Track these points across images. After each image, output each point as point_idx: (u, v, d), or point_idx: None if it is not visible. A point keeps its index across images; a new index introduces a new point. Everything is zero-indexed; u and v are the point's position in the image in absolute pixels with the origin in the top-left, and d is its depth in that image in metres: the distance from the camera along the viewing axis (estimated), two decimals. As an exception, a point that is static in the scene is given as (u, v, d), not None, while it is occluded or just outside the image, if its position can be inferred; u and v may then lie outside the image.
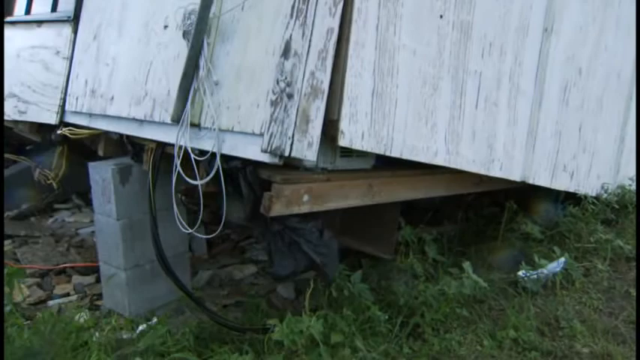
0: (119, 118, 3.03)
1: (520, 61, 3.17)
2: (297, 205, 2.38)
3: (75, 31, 3.46)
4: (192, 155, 2.48)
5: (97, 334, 2.73)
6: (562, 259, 3.32)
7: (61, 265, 3.89)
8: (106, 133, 3.29)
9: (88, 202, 4.96)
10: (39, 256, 4.02)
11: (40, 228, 4.66)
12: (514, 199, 3.92)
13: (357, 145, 2.35)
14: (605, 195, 4.16)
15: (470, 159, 2.95)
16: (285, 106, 2.15)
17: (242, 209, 3.63)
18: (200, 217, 2.61)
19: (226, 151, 2.40)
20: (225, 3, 2.45)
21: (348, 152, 2.57)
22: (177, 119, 2.54)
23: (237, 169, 2.44)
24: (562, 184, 3.82)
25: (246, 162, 2.42)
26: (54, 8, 3.81)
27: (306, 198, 2.41)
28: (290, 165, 2.35)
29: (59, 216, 4.97)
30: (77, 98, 3.36)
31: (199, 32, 2.44)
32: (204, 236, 2.89)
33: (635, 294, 3.09)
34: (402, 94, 2.49)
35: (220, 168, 2.37)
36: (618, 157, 4.38)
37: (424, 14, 2.56)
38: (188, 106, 2.50)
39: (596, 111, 3.99)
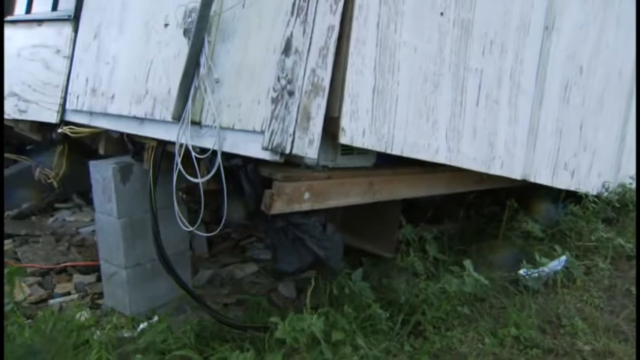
0: (120, 116, 3.03)
1: (521, 59, 3.17)
2: (298, 202, 2.38)
3: (75, 30, 3.46)
4: (193, 153, 2.48)
5: (97, 332, 2.73)
6: (563, 258, 3.31)
7: (62, 264, 3.89)
8: (107, 131, 3.29)
9: (89, 202, 4.96)
10: (40, 255, 4.02)
11: (41, 227, 4.66)
12: (515, 197, 3.92)
13: (358, 143, 2.35)
14: (606, 193, 4.16)
15: (471, 157, 2.95)
16: (286, 104, 2.15)
17: (243, 208, 3.63)
18: (201, 215, 2.61)
19: (227, 148, 2.40)
20: (226, 1, 2.45)
21: (349, 150, 2.57)
22: (178, 117, 2.53)
23: (238, 166, 2.44)
24: (563, 182, 3.82)
25: (247, 160, 2.42)
26: (54, 7, 3.82)
27: (307, 196, 2.40)
28: (291, 163, 2.35)
29: (60, 215, 4.97)
30: (78, 97, 3.36)
31: (200, 30, 2.44)
32: (205, 234, 2.88)
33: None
34: (403, 91, 2.49)
35: (221, 166, 2.37)
36: (619, 156, 4.38)
37: (425, 11, 2.55)
38: (189, 104, 2.50)
39: (596, 109, 3.98)
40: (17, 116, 3.82)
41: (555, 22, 3.36)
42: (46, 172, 4.25)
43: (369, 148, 2.42)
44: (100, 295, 3.46)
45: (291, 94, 2.15)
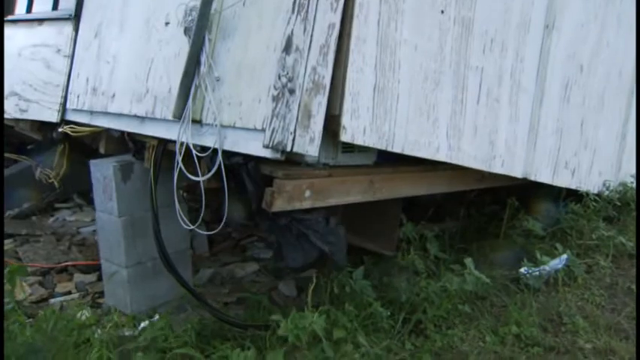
0: (120, 115, 3.03)
1: (521, 58, 3.17)
2: (299, 200, 2.38)
3: (76, 29, 3.46)
4: (194, 152, 2.48)
5: (99, 331, 2.73)
6: (564, 256, 3.31)
7: (63, 264, 3.89)
8: (108, 130, 3.29)
9: (89, 201, 4.96)
10: (40, 255, 4.02)
11: (42, 227, 4.66)
12: (515, 196, 3.92)
13: (359, 141, 2.35)
14: (606, 192, 4.16)
15: (471, 155, 2.95)
16: (287, 102, 2.15)
17: (244, 207, 3.63)
18: (202, 213, 2.61)
19: (228, 147, 2.40)
20: (227, -1, 2.45)
21: (349, 148, 2.57)
22: (178, 116, 2.53)
23: (239, 165, 2.45)
24: (563, 180, 3.82)
25: (248, 158, 2.42)
26: (55, 6, 3.82)
27: (307, 194, 2.40)
28: (291, 161, 2.35)
29: (60, 215, 4.97)
30: (78, 96, 3.36)
31: (200, 28, 2.44)
32: (206, 232, 2.88)
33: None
34: (404, 89, 2.49)
35: (222, 164, 2.37)
36: (620, 155, 4.38)
37: (425, 10, 2.55)
38: (189, 102, 2.50)
39: (597, 108, 3.98)
40: (18, 115, 3.82)
41: (556, 20, 3.36)
42: (46, 171, 4.25)
43: (370, 145, 2.42)
44: (101, 294, 3.46)
45: (291, 92, 2.15)
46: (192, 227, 2.67)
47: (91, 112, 3.28)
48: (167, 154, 2.89)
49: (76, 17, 3.46)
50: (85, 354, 2.47)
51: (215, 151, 2.41)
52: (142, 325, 2.85)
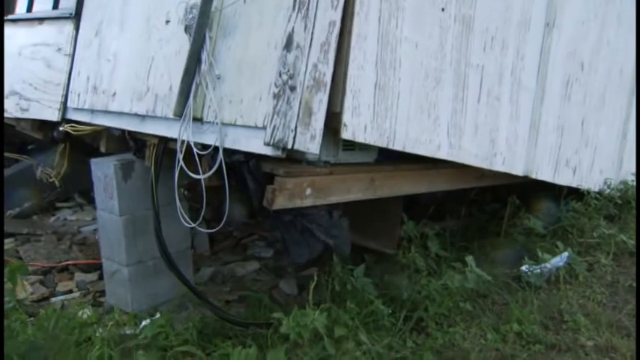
0: (121, 113, 3.03)
1: (522, 56, 3.17)
2: (300, 198, 2.38)
3: (76, 28, 3.46)
4: (195, 150, 2.48)
5: (100, 329, 2.72)
6: (565, 254, 3.31)
7: (64, 263, 3.89)
8: (108, 129, 3.29)
9: (90, 201, 4.96)
10: (41, 254, 4.02)
11: (42, 226, 4.66)
12: (516, 194, 3.92)
13: (360, 138, 2.35)
14: (607, 190, 4.16)
15: (472, 153, 2.95)
16: (288, 99, 2.15)
17: (244, 206, 3.63)
18: (203, 211, 2.61)
19: (229, 144, 2.40)
20: (227, -3, 2.45)
21: (350, 145, 2.57)
22: (179, 114, 2.53)
23: (239, 162, 2.45)
24: (565, 179, 3.82)
25: (249, 155, 2.42)
26: (55, 5, 3.82)
27: (308, 191, 2.40)
28: (292, 158, 2.35)
29: (61, 214, 4.97)
30: (79, 95, 3.36)
31: (201, 26, 2.43)
32: (207, 230, 2.88)
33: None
34: (405, 86, 2.49)
35: (223, 162, 2.37)
36: (621, 153, 4.38)
37: (426, 7, 2.55)
38: (190, 100, 2.50)
39: (598, 106, 3.98)
40: (19, 115, 3.82)
41: (556, 18, 3.36)
42: (47, 171, 4.26)
43: (371, 143, 2.42)
44: (102, 293, 3.46)
45: (292, 89, 2.14)
46: (193, 225, 2.68)
47: (92, 111, 3.28)
48: (168, 152, 2.89)
49: (76, 16, 3.45)
50: (87, 352, 2.46)
51: (216, 149, 2.41)
52: (143, 323, 2.84)
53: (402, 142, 2.54)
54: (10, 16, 4.09)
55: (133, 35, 3.01)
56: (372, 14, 2.29)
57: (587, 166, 4.02)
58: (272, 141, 2.17)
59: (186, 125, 2.51)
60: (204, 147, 2.48)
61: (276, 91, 2.18)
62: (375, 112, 2.38)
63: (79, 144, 3.79)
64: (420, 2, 2.52)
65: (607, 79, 3.99)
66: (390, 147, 2.50)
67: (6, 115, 3.88)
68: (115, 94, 3.06)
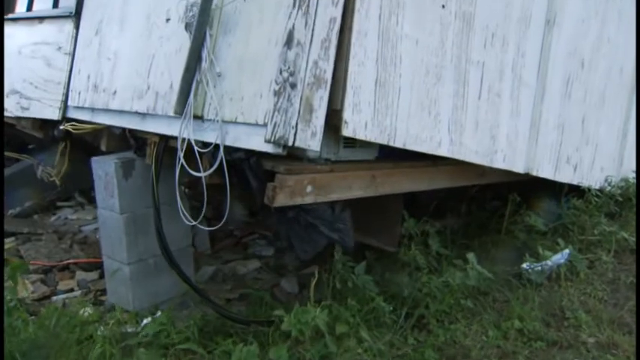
0: (122, 112, 3.03)
1: (522, 53, 3.17)
2: (301, 195, 2.38)
3: (77, 27, 3.47)
4: (196, 147, 2.48)
5: (101, 328, 2.73)
6: (566, 251, 3.31)
7: (65, 262, 3.89)
8: (109, 127, 3.29)
9: (91, 200, 4.97)
10: (42, 253, 4.02)
11: (43, 225, 4.66)
12: (516, 192, 3.91)
13: (361, 135, 2.35)
14: (608, 188, 4.15)
15: (473, 150, 2.95)
16: (289, 96, 2.15)
17: (245, 204, 3.61)
18: (204, 209, 2.61)
19: (230, 142, 2.40)
20: (228, -6, 2.45)
21: (351, 143, 2.57)
22: (180, 112, 2.53)
23: (240, 160, 2.44)
24: (565, 176, 3.81)
25: (250, 153, 2.42)
26: (55, 4, 3.82)
27: (309, 189, 2.40)
28: (293, 156, 2.35)
29: (62, 213, 4.97)
30: (79, 93, 3.36)
31: (201, 24, 2.43)
32: (207, 228, 2.88)
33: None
34: (405, 83, 2.49)
35: (224, 159, 2.37)
36: (621, 150, 4.37)
37: (426, 4, 2.55)
38: (191, 98, 2.50)
39: (598, 104, 3.98)
40: (19, 114, 3.82)
41: (557, 15, 3.36)
42: (48, 170, 4.26)
43: (372, 140, 2.42)
44: (103, 291, 3.46)
45: (293, 86, 2.14)
46: (194, 223, 2.67)
47: (93, 110, 3.28)
48: (168, 150, 2.89)
49: (76, 15, 3.46)
50: (88, 350, 2.46)
51: (217, 146, 2.41)
52: (145, 321, 2.85)
53: (403, 139, 2.54)
54: (10, 15, 4.09)
55: (134, 34, 3.01)
56: (372, 11, 2.29)
57: (588, 163, 4.02)
58: (273, 138, 2.17)
59: (186, 123, 2.51)
60: (205, 145, 2.49)
61: (277, 88, 2.18)
62: (375, 109, 2.38)
63: (79, 143, 3.80)
64: (421, -1, 2.52)
65: (607, 77, 3.99)
66: (391, 144, 2.50)
67: (6, 114, 3.88)
68: (115, 92, 3.06)
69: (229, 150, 2.42)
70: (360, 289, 2.79)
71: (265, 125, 2.21)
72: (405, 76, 2.48)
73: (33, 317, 2.93)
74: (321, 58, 2.17)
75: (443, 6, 2.62)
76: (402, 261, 3.15)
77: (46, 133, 3.85)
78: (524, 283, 3.11)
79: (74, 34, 3.48)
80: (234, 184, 2.49)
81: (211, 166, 2.45)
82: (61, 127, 3.49)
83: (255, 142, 2.29)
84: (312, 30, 2.14)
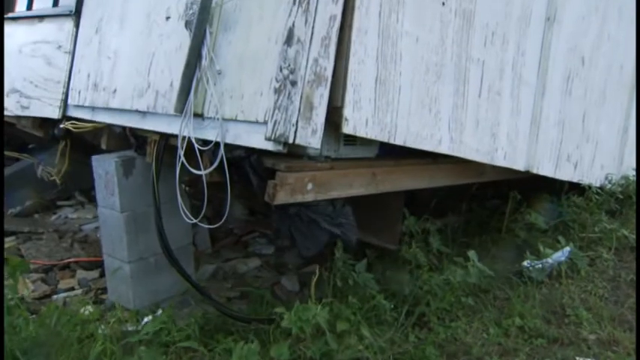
0: (122, 110, 3.03)
1: (523, 51, 3.17)
2: (301, 193, 2.38)
3: (77, 25, 3.46)
4: (196, 145, 2.48)
5: (102, 326, 2.72)
6: (567, 249, 3.31)
7: (65, 260, 3.89)
8: (109, 126, 3.29)
9: (91, 199, 4.97)
10: (43, 252, 4.02)
11: (44, 224, 4.66)
12: (517, 190, 3.91)
13: (361, 132, 2.35)
14: (609, 185, 4.15)
15: (473, 148, 2.95)
16: (289, 93, 2.15)
17: (245, 203, 3.60)
18: (204, 207, 2.60)
19: (230, 140, 2.40)
20: (228, -8, 2.45)
21: (351, 140, 2.56)
22: (180, 110, 2.53)
23: (241, 158, 2.44)
24: (566, 174, 3.81)
25: (250, 151, 2.41)
26: (55, 3, 3.81)
27: (310, 186, 2.40)
28: (294, 154, 2.34)
29: (62, 212, 4.97)
30: (79, 92, 3.36)
31: (202, 22, 2.43)
32: (208, 226, 2.88)
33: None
34: (406, 81, 2.49)
35: (224, 157, 2.37)
36: (622, 148, 4.38)
37: (426, 1, 2.55)
38: (191, 96, 2.50)
39: (599, 101, 3.98)
40: (19, 112, 3.82)
41: (557, 13, 3.36)
42: (48, 169, 4.26)
43: (372, 137, 2.42)
44: (104, 290, 3.46)
45: (293, 83, 2.14)
46: (194, 221, 2.67)
47: (93, 108, 3.28)
48: (169, 148, 2.88)
49: (76, 13, 3.45)
50: (89, 348, 2.46)
51: (217, 144, 2.41)
52: (145, 320, 2.84)
53: (404, 136, 2.54)
54: (10, 14, 4.09)
55: (134, 32, 3.01)
56: (372, 8, 2.29)
57: (589, 161, 4.02)
58: (273, 136, 2.17)
59: (187, 121, 2.51)
60: (206, 143, 2.48)
61: (277, 85, 2.18)
62: (376, 107, 2.38)
63: (79, 142, 3.79)
64: (421, -4, 2.51)
65: (608, 74, 3.99)
66: (392, 141, 2.50)
67: (6, 113, 3.88)
68: (115, 90, 3.06)
69: (230, 148, 2.42)
70: (361, 287, 2.79)
71: (266, 123, 2.21)
72: (406, 73, 2.48)
73: (34, 316, 2.93)
74: (322, 55, 2.16)
75: (443, 3, 2.62)
76: (402, 259, 3.16)
77: (46, 132, 3.85)
78: (524, 281, 3.11)
79: (74, 33, 3.47)
80: (235, 182, 2.49)
81: (212, 164, 2.45)
82: (61, 126, 3.49)
83: (256, 139, 2.29)
84: (313, 27, 2.14)
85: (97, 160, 3.18)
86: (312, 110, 2.17)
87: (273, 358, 2.30)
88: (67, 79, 3.48)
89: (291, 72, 2.14)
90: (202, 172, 2.48)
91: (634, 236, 3.55)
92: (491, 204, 4.42)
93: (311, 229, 2.49)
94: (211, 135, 2.45)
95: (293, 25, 2.16)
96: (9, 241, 4.20)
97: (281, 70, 2.18)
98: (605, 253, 3.40)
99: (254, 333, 2.65)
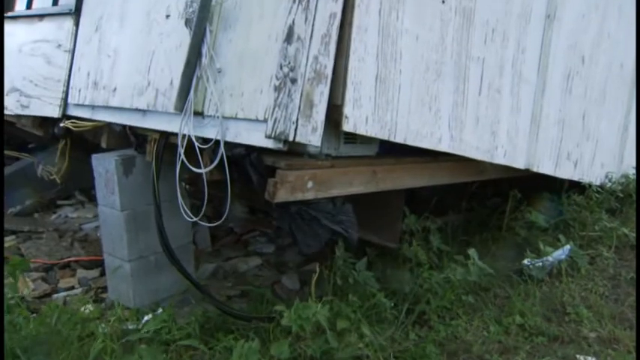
0: (122, 109, 3.03)
1: (523, 48, 3.17)
2: (302, 191, 2.38)
3: (76, 24, 3.46)
4: (196, 143, 2.48)
5: (102, 325, 2.72)
6: (567, 247, 3.31)
7: (66, 259, 3.89)
8: (109, 124, 3.29)
9: (91, 198, 4.97)
10: (43, 251, 4.03)
11: (44, 224, 4.66)
12: (517, 188, 3.91)
13: (361, 130, 2.35)
14: (609, 184, 4.15)
15: (474, 145, 2.95)
16: (289, 91, 2.15)
17: (245, 202, 3.59)
18: (204, 205, 2.60)
19: (230, 138, 2.40)
20: (228, -10, 2.45)
21: (351, 138, 2.56)
22: (180, 108, 2.53)
23: (241, 156, 2.44)
24: (566, 172, 3.81)
25: (251, 149, 2.41)
26: (55, 2, 3.81)
27: (310, 184, 2.40)
28: (294, 152, 2.35)
29: (62, 212, 4.97)
30: (79, 91, 3.36)
31: (201, 20, 2.43)
32: (208, 224, 2.88)
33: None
34: (406, 79, 2.49)
35: (224, 155, 2.37)
36: (622, 146, 4.37)
37: (426, -1, 2.55)
38: (191, 94, 2.49)
39: (599, 99, 3.98)
40: (19, 111, 3.82)
41: (557, 10, 3.36)
42: (48, 168, 4.26)
43: (372, 135, 2.42)
44: (104, 289, 3.46)
45: (293, 81, 2.14)
46: (194, 219, 2.67)
47: (93, 107, 3.27)
48: (169, 147, 2.88)
49: (76, 12, 3.45)
50: (89, 347, 2.46)
51: (217, 142, 2.41)
52: (146, 318, 2.84)
53: (404, 134, 2.54)
54: (9, 13, 4.09)
55: (134, 30, 3.01)
56: (372, 6, 2.29)
57: (589, 159, 4.02)
58: (273, 134, 2.17)
59: (187, 119, 2.51)
60: (206, 141, 2.48)
61: (277, 83, 2.18)
62: (376, 105, 2.38)
63: (79, 141, 3.79)
64: (421, -6, 2.51)
65: (608, 72, 3.99)
66: (392, 139, 2.50)
67: (6, 112, 3.88)
68: (115, 89, 3.06)
69: (230, 146, 2.42)
70: (361, 286, 2.79)
71: (266, 121, 2.21)
72: (406, 71, 2.48)
73: (34, 315, 2.93)
74: (322, 53, 2.16)
75: (443, 1, 2.62)
76: (403, 257, 3.16)
77: (46, 131, 3.84)
78: (525, 279, 3.11)
79: (74, 32, 3.47)
80: (235, 181, 2.48)
81: (212, 162, 2.45)
82: (61, 125, 3.49)
83: (256, 137, 2.29)
84: (313, 25, 2.14)
85: (97, 159, 3.18)
86: (313, 108, 2.17)
87: (274, 356, 2.30)
88: (66, 78, 3.48)
89: (292, 70, 2.14)
90: (202, 171, 2.48)
91: (634, 235, 3.55)
92: (491, 202, 4.41)
93: (312, 226, 2.49)
94: (211, 133, 2.45)
95: (293, 22, 2.16)
96: (9, 241, 4.20)
97: (281, 68, 2.18)
98: (606, 251, 3.39)
99: (254, 331, 2.65)
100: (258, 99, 2.28)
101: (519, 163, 3.34)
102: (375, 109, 2.38)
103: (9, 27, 4.00)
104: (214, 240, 4.31)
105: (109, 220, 3.17)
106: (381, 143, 2.74)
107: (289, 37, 2.17)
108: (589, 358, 2.43)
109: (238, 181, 2.49)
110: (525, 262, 3.24)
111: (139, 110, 2.90)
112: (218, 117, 2.39)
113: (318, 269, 2.67)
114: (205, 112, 2.49)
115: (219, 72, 2.43)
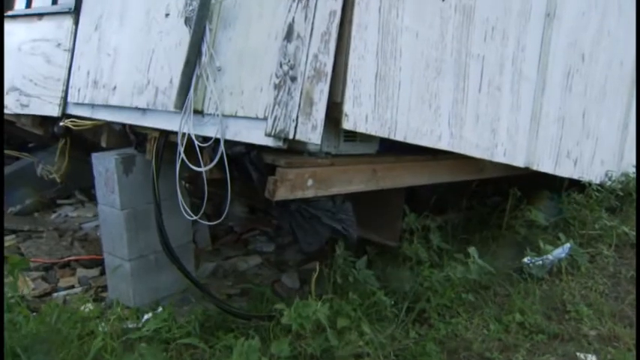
0: (122, 107, 3.03)
1: (523, 46, 3.17)
2: (302, 189, 2.38)
3: (76, 23, 3.45)
4: (196, 142, 2.48)
5: (102, 323, 2.72)
6: (567, 245, 3.31)
7: (66, 259, 3.89)
8: (109, 123, 3.28)
9: (91, 197, 4.97)
10: (43, 250, 4.02)
11: (44, 223, 4.66)
12: (517, 186, 3.91)
13: (361, 128, 2.35)
14: (609, 182, 4.15)
15: (473, 143, 2.94)
16: (289, 89, 2.14)
17: (245, 201, 3.59)
18: (204, 204, 2.60)
19: (230, 136, 2.40)
20: (227, -12, 2.45)
21: (351, 136, 2.56)
22: (180, 106, 2.53)
23: (241, 154, 2.44)
24: (566, 170, 3.81)
25: (251, 147, 2.41)
26: (54, 1, 3.81)
27: (310, 182, 2.40)
28: (294, 150, 2.34)
29: (62, 211, 4.97)
30: (79, 90, 3.35)
31: (201, 18, 2.43)
32: (208, 223, 2.88)
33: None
34: (406, 76, 2.49)
35: (224, 154, 2.36)
36: (622, 144, 4.37)
37: (426, -3, 2.55)
38: (191, 92, 2.49)
39: (599, 97, 3.97)
40: (19, 111, 3.81)
41: (557, 8, 3.35)
42: (48, 168, 4.26)
43: (372, 133, 2.42)
44: (104, 288, 3.46)
45: (293, 79, 2.14)
46: (194, 218, 2.67)
47: (93, 106, 3.27)
48: (169, 145, 2.88)
49: (75, 11, 3.44)
50: (89, 345, 2.46)
51: (217, 141, 2.40)
52: (146, 317, 2.85)
53: (404, 132, 2.54)
54: (9, 12, 4.08)
55: (133, 29, 3.00)
56: (372, 4, 2.29)
57: (589, 157, 4.01)
58: (273, 132, 2.17)
59: (186, 118, 2.51)
60: (205, 139, 2.48)
61: (277, 81, 2.18)
62: (376, 102, 2.38)
63: (79, 140, 3.79)
64: (421, -8, 2.51)
65: (608, 70, 3.98)
66: (392, 137, 2.50)
67: (6, 111, 3.88)
68: (115, 88, 3.06)
69: (230, 144, 2.42)
70: (361, 284, 2.79)
71: (265, 119, 2.21)
72: (406, 69, 2.48)
73: (34, 314, 2.93)
74: (321, 51, 2.16)
75: (443, -1, 2.62)
76: (403, 255, 3.16)
77: (45, 130, 3.84)
78: (525, 278, 3.12)
79: (73, 30, 3.46)
80: (235, 179, 2.48)
81: (212, 160, 2.45)
82: (61, 124, 3.48)
83: (256, 135, 2.29)
84: (312, 23, 2.13)
85: (97, 158, 3.18)
86: (312, 106, 2.17)
87: (274, 354, 2.30)
88: (66, 77, 3.47)
89: (291, 68, 2.14)
90: (202, 169, 2.48)
91: (634, 233, 3.55)
92: (491, 201, 4.41)
93: (312, 224, 2.49)
94: (211, 131, 2.45)
95: (293, 20, 2.16)
96: (9, 240, 4.20)
97: (281, 66, 2.17)
98: (606, 249, 3.40)
99: (254, 330, 2.65)
100: (258, 97, 2.28)
101: (519, 162, 3.34)
102: (375, 107, 2.38)
103: (8, 26, 4.00)
104: (214, 239, 4.31)
105: (109, 219, 3.17)
106: (381, 141, 2.74)
107: (289, 35, 2.16)
108: (589, 355, 2.43)
109: (238, 180, 2.49)
110: (525, 260, 3.24)
111: (139, 109, 2.90)
112: (218, 115, 2.39)
113: (318, 268, 2.67)
114: (205, 111, 2.49)
115: (219, 70, 2.42)
